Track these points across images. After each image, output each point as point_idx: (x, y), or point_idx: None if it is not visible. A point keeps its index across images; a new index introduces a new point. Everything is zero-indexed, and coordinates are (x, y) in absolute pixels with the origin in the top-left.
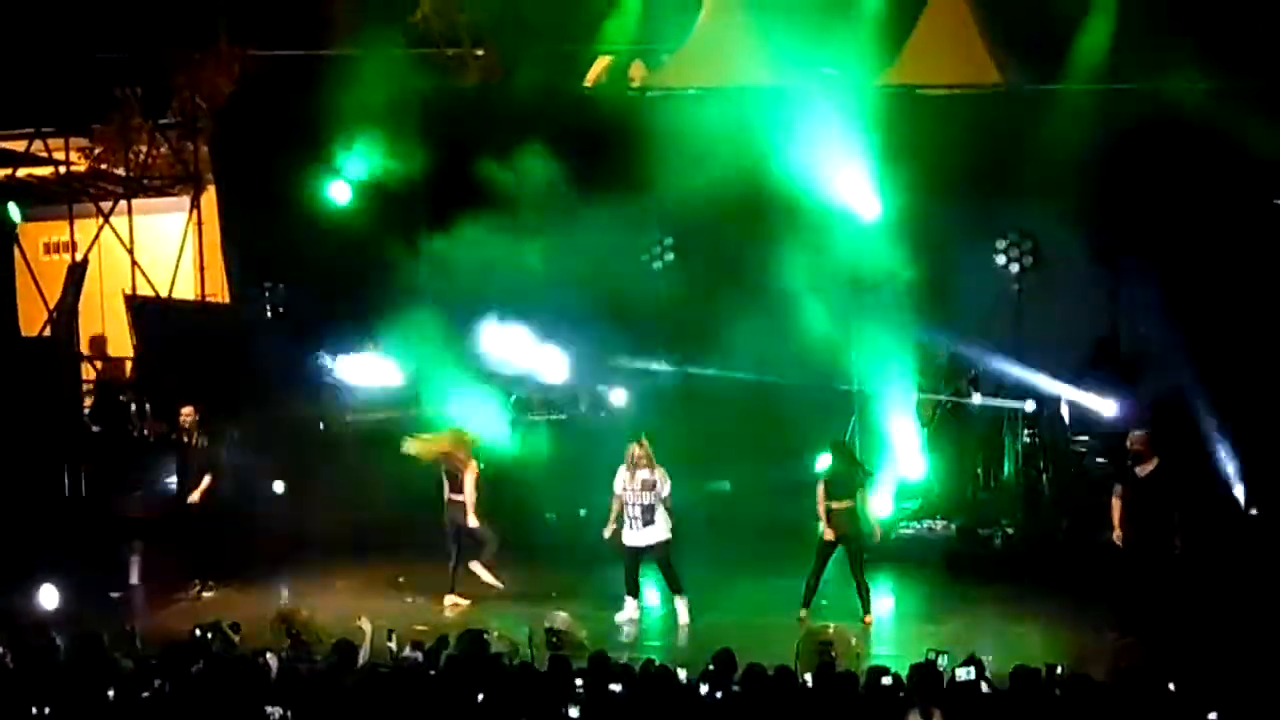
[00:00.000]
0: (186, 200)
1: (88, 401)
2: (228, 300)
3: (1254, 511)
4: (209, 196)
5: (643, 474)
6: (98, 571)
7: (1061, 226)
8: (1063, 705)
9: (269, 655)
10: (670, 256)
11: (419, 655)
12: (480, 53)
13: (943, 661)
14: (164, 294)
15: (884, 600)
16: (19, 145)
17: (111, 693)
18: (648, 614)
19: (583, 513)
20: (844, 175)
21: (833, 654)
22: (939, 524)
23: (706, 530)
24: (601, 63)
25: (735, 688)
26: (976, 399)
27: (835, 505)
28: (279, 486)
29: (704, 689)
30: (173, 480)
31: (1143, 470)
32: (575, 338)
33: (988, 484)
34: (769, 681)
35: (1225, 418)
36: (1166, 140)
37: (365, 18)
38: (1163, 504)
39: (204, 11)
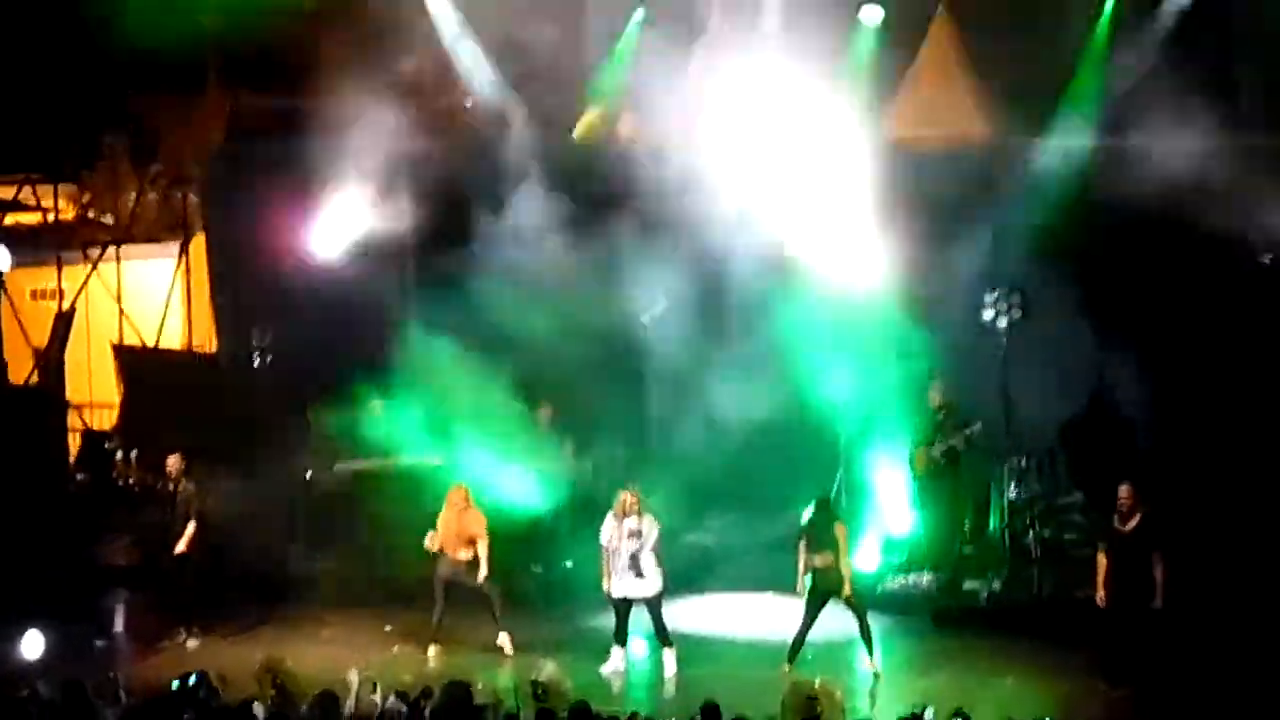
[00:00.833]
0: (175, 248)
1: (73, 449)
2: (215, 349)
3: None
4: (198, 244)
5: (629, 523)
6: (82, 620)
7: (1051, 280)
8: None
9: (255, 706)
10: (659, 309)
11: (403, 707)
12: (471, 103)
13: (929, 715)
14: (151, 342)
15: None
16: (7, 192)
17: None
18: (634, 665)
19: (569, 564)
20: (832, 228)
21: (819, 709)
22: (925, 577)
23: (693, 580)
24: (593, 114)
25: None
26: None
27: (817, 560)
28: (265, 535)
29: None
30: (158, 529)
31: (1128, 525)
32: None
33: (974, 538)
34: None
35: (1213, 468)
36: (1157, 194)
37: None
38: (1147, 558)
39: (193, 59)
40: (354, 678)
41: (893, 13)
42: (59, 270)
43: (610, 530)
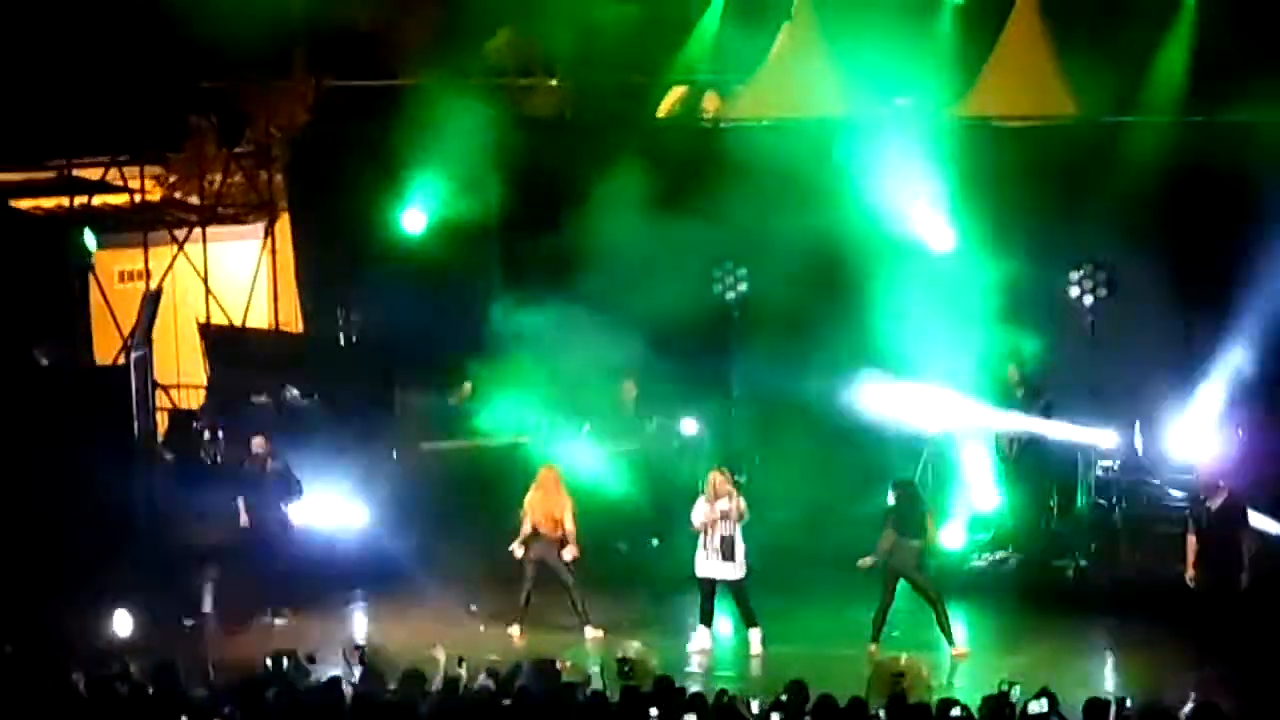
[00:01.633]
0: (260, 228)
1: (162, 429)
2: (300, 328)
3: None
4: (283, 224)
5: (722, 504)
6: (171, 599)
7: (1138, 257)
8: None
9: (343, 684)
10: (744, 287)
11: (491, 684)
12: (554, 83)
13: (1015, 693)
14: (238, 322)
15: (955, 632)
16: (95, 173)
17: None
18: (719, 643)
19: (655, 543)
20: (918, 206)
21: (904, 685)
22: (1011, 555)
23: (778, 560)
24: (675, 93)
25: (807, 718)
26: (1050, 427)
27: (900, 542)
28: (354, 515)
29: (775, 719)
30: (245, 508)
31: (1214, 503)
32: (645, 367)
33: (1061, 516)
34: (841, 713)
35: None
36: (1242, 170)
37: (440, 47)
38: (1232, 536)
39: (280, 40)
40: (440, 655)
41: None
42: (145, 251)
43: (703, 511)
